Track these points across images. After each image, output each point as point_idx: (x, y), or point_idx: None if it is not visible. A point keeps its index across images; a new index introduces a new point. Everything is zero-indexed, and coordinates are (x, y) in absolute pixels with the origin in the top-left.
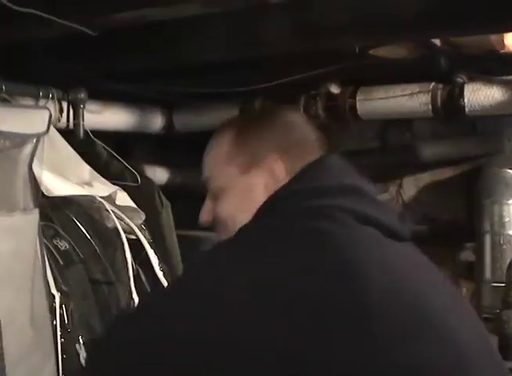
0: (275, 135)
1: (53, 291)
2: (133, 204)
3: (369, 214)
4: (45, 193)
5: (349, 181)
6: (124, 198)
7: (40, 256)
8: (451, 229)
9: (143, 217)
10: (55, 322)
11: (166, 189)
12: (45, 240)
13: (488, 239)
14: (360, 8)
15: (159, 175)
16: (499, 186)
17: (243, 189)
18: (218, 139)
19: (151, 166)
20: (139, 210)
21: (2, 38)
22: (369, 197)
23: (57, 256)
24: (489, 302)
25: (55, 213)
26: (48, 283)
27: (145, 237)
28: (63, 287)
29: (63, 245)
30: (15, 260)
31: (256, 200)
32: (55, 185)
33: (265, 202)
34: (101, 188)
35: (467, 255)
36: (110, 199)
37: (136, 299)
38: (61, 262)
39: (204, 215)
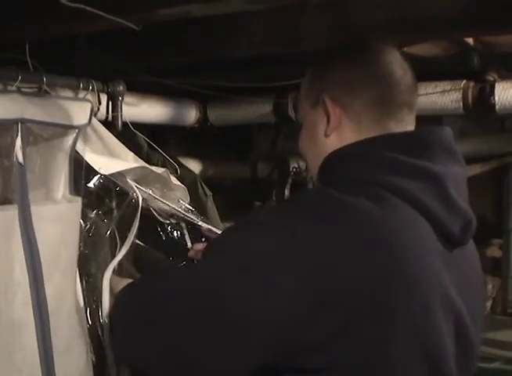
0: (338, 72)
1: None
2: (182, 185)
3: (426, 205)
4: (102, 172)
5: (428, 165)
6: (175, 179)
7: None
8: (478, 225)
9: (188, 198)
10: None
11: None
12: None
13: None
14: (395, 7)
15: (192, 167)
16: None
17: (310, 124)
18: (305, 73)
19: (184, 158)
20: (187, 191)
21: (48, 32)
22: (442, 190)
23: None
24: None
25: (94, 201)
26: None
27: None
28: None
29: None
30: (62, 247)
31: (318, 139)
32: (110, 163)
33: (329, 158)
34: (153, 167)
35: (494, 251)
36: (163, 179)
37: None
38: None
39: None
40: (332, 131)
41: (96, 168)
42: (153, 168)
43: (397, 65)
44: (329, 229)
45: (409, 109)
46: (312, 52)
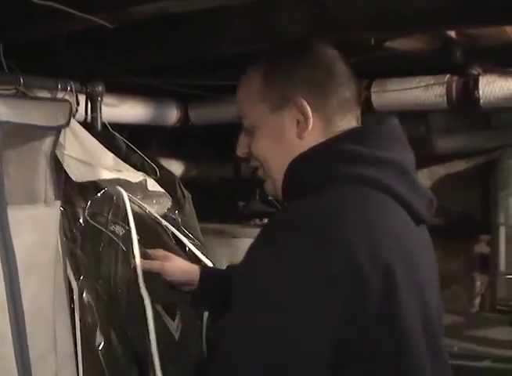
0: (302, 72)
1: (73, 283)
2: (162, 189)
3: (399, 192)
4: (74, 179)
5: (391, 155)
6: (152, 184)
7: (60, 248)
8: (465, 221)
9: (170, 202)
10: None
11: (180, 181)
12: (101, 227)
13: (502, 231)
14: (375, 1)
15: (174, 167)
16: None
17: (275, 128)
18: (249, 76)
19: (166, 159)
20: (167, 195)
21: (22, 33)
22: (406, 176)
23: (117, 241)
24: (504, 294)
25: (92, 201)
26: (67, 274)
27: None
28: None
29: (119, 230)
30: (39, 251)
31: (288, 142)
32: (83, 170)
33: (305, 157)
34: (129, 174)
35: (481, 248)
36: (141, 185)
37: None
38: (123, 248)
39: (239, 150)
40: (306, 133)
41: (70, 175)
42: (130, 178)
43: (343, 61)
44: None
45: (359, 103)
46: None
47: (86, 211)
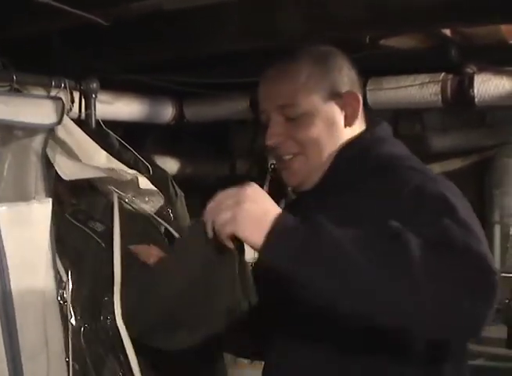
0: (346, 70)
1: (64, 278)
2: (154, 187)
3: None
4: (64, 177)
5: None
6: (145, 182)
7: (50, 244)
8: None
9: (162, 201)
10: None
11: (176, 179)
12: (80, 225)
13: (497, 229)
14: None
15: (169, 165)
16: (509, 176)
17: (326, 116)
18: (293, 69)
19: (161, 156)
20: (159, 193)
21: (16, 30)
22: None
23: (96, 238)
24: (498, 293)
25: (83, 199)
26: (58, 272)
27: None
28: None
29: (100, 227)
30: (29, 248)
31: (338, 128)
32: (73, 169)
33: (356, 142)
34: (121, 172)
35: None
36: (133, 183)
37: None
38: (102, 244)
39: (273, 139)
40: (354, 123)
41: (60, 174)
42: (122, 176)
43: None
44: None
45: None
46: (291, 45)
47: (69, 208)
